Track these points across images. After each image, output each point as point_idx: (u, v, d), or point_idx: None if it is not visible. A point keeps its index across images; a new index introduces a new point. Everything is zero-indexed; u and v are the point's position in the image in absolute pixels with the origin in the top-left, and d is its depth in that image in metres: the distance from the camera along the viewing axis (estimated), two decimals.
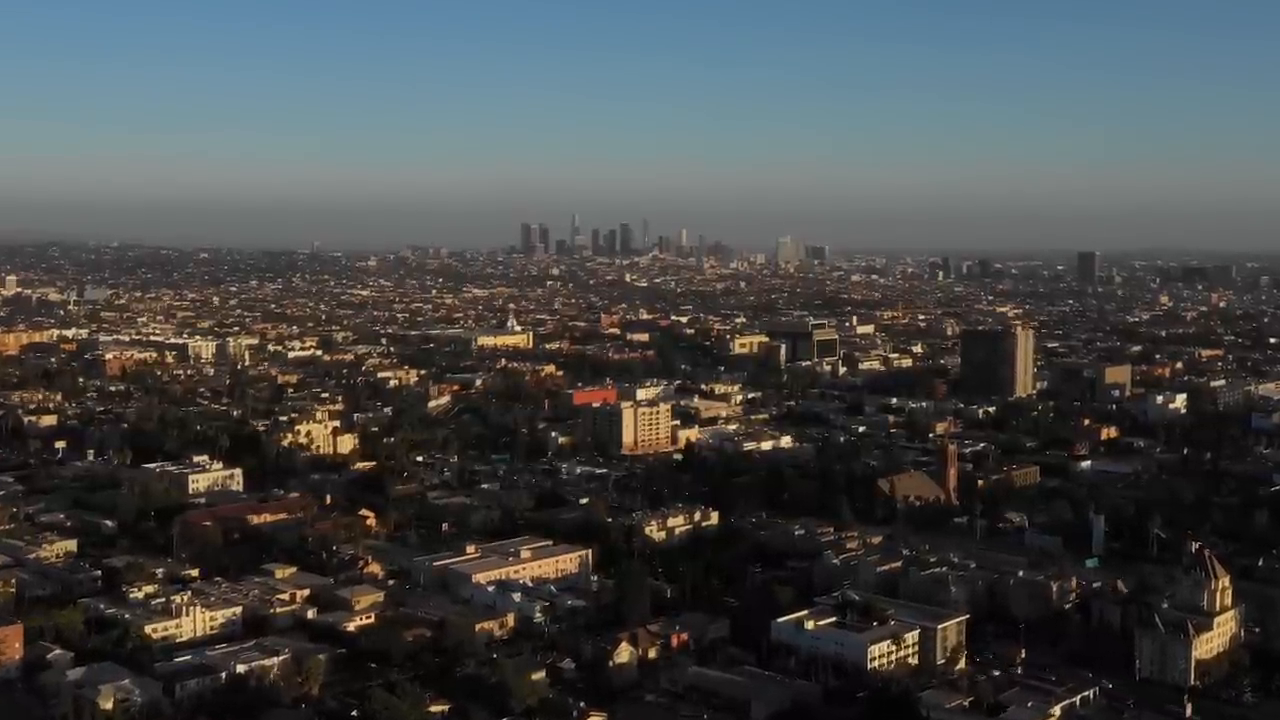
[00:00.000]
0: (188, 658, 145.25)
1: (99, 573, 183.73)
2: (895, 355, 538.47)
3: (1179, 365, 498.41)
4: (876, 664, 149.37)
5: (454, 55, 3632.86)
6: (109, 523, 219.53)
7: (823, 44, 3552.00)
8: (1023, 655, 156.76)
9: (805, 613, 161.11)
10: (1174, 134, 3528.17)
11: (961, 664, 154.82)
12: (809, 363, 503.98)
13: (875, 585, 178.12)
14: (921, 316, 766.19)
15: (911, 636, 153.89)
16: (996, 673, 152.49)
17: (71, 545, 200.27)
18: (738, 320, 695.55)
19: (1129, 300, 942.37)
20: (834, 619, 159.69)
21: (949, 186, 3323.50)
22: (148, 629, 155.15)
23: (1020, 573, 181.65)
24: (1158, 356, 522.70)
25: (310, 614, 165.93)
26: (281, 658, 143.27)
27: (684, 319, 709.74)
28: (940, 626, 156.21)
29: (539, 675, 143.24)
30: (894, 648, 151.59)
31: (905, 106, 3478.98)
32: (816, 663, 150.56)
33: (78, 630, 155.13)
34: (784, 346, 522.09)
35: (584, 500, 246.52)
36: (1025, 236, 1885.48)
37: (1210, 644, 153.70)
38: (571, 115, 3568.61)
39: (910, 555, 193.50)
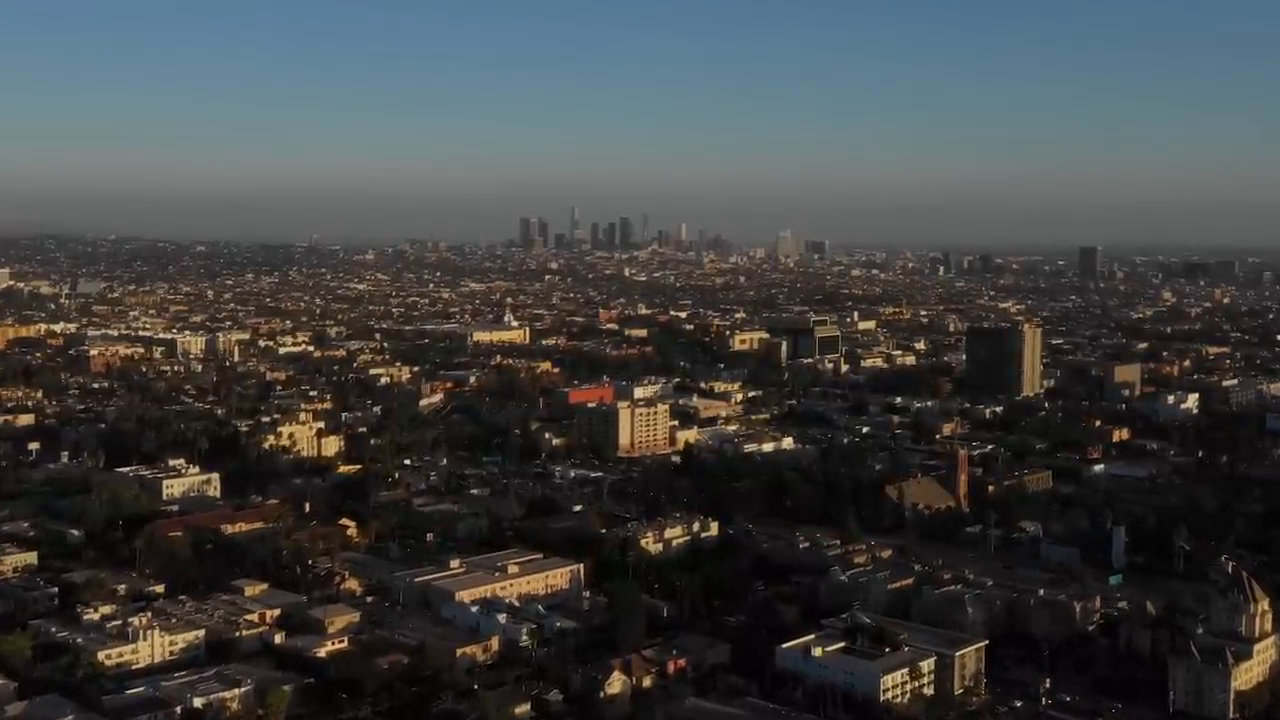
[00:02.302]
0: (141, 689, 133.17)
1: (56, 589, 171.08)
2: (898, 352, 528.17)
3: (1186, 363, 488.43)
4: (890, 695, 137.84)
5: (453, 49, 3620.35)
6: (75, 532, 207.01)
7: (822, 37, 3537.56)
8: (1047, 684, 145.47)
9: (812, 637, 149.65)
10: (1174, 129, 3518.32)
11: (981, 694, 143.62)
12: (810, 360, 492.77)
13: (886, 605, 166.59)
14: (924, 312, 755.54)
15: (927, 665, 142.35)
16: (1019, 703, 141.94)
17: (31, 558, 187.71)
18: (737, 316, 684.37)
19: (1132, 296, 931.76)
20: (843, 644, 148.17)
21: (949, 181, 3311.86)
22: (100, 655, 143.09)
23: (1041, 591, 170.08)
24: (1165, 354, 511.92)
25: (278, 638, 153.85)
26: (243, 689, 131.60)
27: (683, 314, 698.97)
28: (958, 653, 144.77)
29: (523, 709, 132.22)
30: (908, 678, 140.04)
31: (906, 101, 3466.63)
32: (824, 694, 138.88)
33: (25, 657, 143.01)
34: (785, 343, 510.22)
35: (577, 508, 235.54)
36: (1026, 231, 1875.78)
37: (1250, 673, 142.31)
38: (572, 109, 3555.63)
39: (923, 572, 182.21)
